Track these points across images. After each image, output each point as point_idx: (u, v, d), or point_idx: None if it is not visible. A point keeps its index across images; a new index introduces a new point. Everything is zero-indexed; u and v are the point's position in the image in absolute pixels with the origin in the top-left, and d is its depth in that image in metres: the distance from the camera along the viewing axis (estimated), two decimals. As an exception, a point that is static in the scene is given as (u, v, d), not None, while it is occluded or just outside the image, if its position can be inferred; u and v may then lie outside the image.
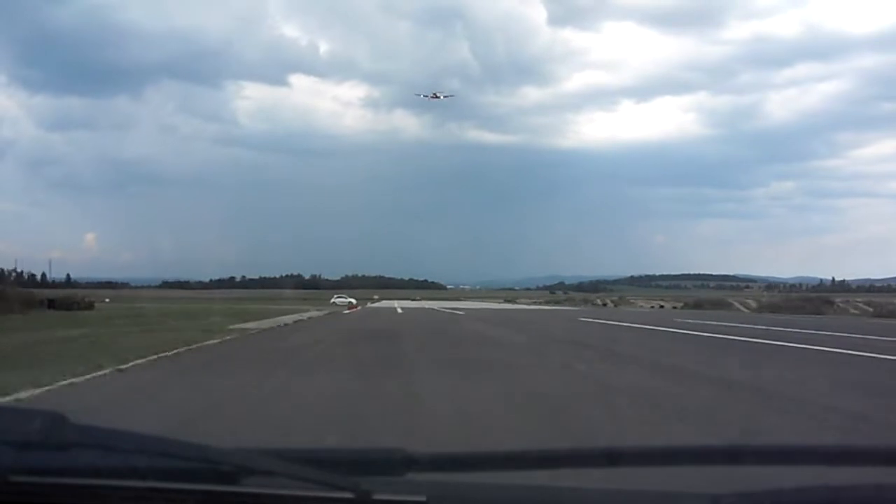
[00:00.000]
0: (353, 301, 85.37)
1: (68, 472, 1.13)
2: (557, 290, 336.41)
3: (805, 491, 1.17)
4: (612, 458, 1.40)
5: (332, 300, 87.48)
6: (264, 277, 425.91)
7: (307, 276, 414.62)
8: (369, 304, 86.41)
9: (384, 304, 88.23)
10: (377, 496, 1.09)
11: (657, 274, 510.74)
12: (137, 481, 1.12)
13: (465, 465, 1.27)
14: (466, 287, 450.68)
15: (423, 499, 1.11)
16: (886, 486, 1.16)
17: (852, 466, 1.26)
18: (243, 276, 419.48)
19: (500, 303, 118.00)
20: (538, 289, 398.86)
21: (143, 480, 1.12)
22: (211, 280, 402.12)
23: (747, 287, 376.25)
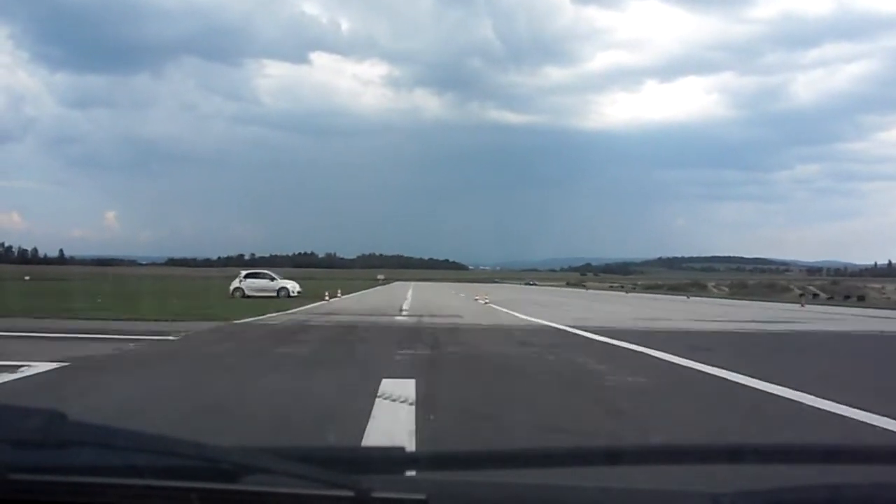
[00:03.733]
0: (295, 287, 44.66)
1: (67, 470, 1.13)
2: (588, 273, 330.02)
3: (804, 490, 1.15)
4: (612, 456, 1.37)
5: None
6: (275, 255, 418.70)
7: (321, 255, 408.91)
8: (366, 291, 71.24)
9: (381, 293, 57.26)
10: (377, 494, 1.08)
11: (686, 256, 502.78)
12: (136, 479, 1.11)
13: (464, 463, 1.24)
14: (487, 268, 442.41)
15: (423, 497, 1.10)
16: (886, 485, 1.15)
17: (852, 465, 1.23)
18: (252, 254, 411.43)
19: (560, 288, 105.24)
20: (562, 270, 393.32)
21: (142, 478, 1.11)
22: (219, 258, 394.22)
23: (787, 270, 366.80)
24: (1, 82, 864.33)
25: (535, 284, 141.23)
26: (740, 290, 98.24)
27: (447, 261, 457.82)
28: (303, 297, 41.22)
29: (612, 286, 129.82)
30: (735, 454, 1.39)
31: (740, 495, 1.17)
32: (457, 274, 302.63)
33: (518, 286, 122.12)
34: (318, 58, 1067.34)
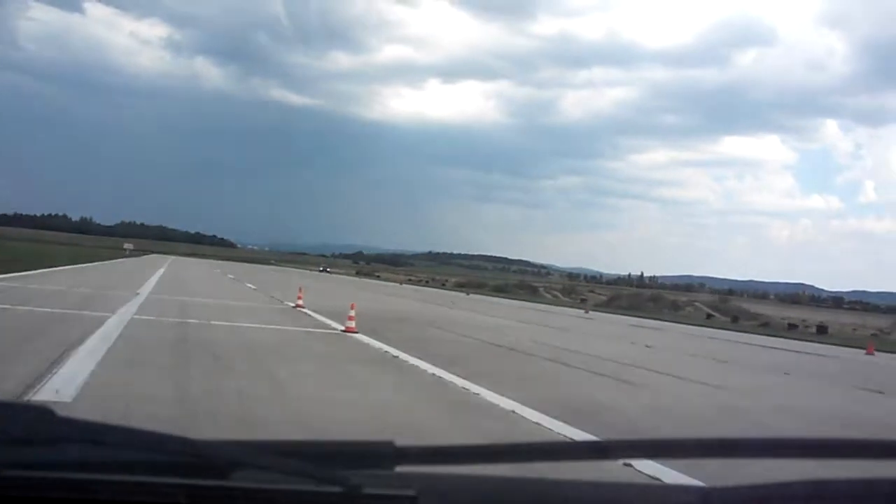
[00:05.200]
0: None
1: (56, 467, 1.11)
2: (360, 261, 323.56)
3: (794, 485, 1.16)
4: (601, 450, 1.38)
5: None
6: (18, 215, 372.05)
7: (75, 219, 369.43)
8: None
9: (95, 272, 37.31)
10: (367, 490, 1.08)
11: (456, 252, 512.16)
12: (126, 475, 1.10)
13: (454, 458, 1.22)
14: (255, 247, 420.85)
15: (413, 492, 1.09)
16: (875, 480, 1.17)
17: (841, 460, 1.23)
18: None
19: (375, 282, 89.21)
20: (333, 256, 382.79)
21: (132, 474, 1.10)
22: None
23: (548, 273, 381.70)
24: None
25: (328, 272, 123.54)
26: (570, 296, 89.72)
27: (214, 237, 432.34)
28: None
29: (414, 279, 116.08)
30: (725, 448, 1.38)
31: (729, 490, 1.18)
32: (225, 251, 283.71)
33: (320, 274, 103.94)
34: (94, 8, 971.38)
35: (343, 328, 16.41)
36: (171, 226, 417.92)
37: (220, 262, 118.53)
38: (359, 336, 15.16)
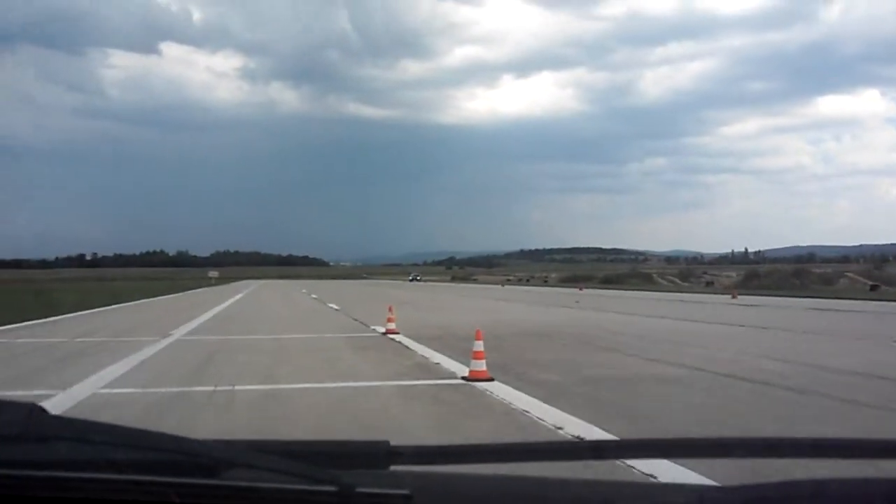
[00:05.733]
0: None
1: (46, 465, 1.10)
2: (452, 266, 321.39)
3: (791, 484, 1.13)
4: (597, 450, 1.35)
5: None
6: (120, 255, 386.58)
7: (172, 253, 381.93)
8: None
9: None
10: (360, 489, 1.06)
11: (548, 248, 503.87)
12: (116, 474, 1.09)
13: (448, 457, 1.21)
14: (348, 263, 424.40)
15: (407, 492, 1.08)
16: (873, 480, 1.15)
17: (839, 459, 1.22)
18: (94, 254, 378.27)
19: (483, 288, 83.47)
20: (426, 264, 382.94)
21: (122, 473, 1.09)
22: (57, 258, 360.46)
23: (645, 260, 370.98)
24: None
25: (419, 279, 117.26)
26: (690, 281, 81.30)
27: (306, 257, 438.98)
28: None
29: (518, 279, 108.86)
30: (722, 448, 1.35)
31: (726, 490, 1.17)
32: (318, 271, 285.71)
33: (413, 284, 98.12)
34: (169, 48, 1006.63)
35: (466, 374, 9.59)
36: (263, 251, 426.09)
37: (310, 281, 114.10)
38: (498, 391, 8.23)
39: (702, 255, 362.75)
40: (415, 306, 29.91)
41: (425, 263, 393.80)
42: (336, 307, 28.50)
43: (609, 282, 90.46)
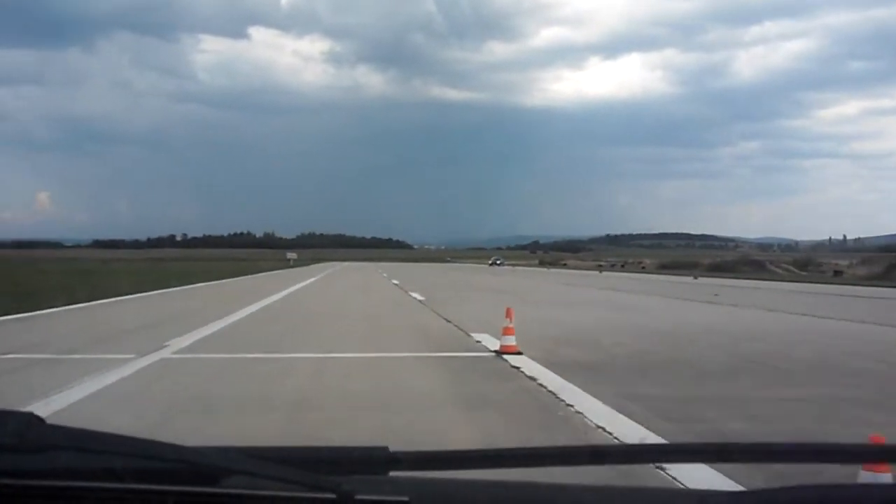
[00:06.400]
0: None
1: (44, 475, 1.11)
2: (537, 250, 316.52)
3: (793, 490, 1.13)
4: (597, 455, 1.32)
5: None
6: (209, 236, 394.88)
7: (259, 235, 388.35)
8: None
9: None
10: (359, 496, 1.06)
11: (634, 233, 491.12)
12: (114, 483, 1.09)
13: (447, 463, 1.19)
14: (432, 246, 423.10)
15: (406, 498, 1.08)
16: (875, 486, 1.18)
17: (841, 465, 1.23)
18: (184, 235, 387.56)
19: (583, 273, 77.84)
20: (509, 248, 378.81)
21: (121, 482, 1.09)
22: (148, 239, 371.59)
23: (736, 246, 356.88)
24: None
25: (501, 264, 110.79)
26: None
27: (391, 240, 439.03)
28: None
29: (612, 264, 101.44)
30: (723, 453, 1.35)
31: (727, 495, 1.17)
32: (401, 253, 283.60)
33: (488, 267, 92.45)
34: (258, 32, 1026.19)
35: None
36: (348, 233, 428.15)
37: (393, 264, 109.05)
38: None
39: (796, 243, 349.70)
40: (518, 297, 23.89)
41: (508, 248, 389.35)
42: (420, 298, 22.62)
43: (718, 269, 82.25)
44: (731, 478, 3.76)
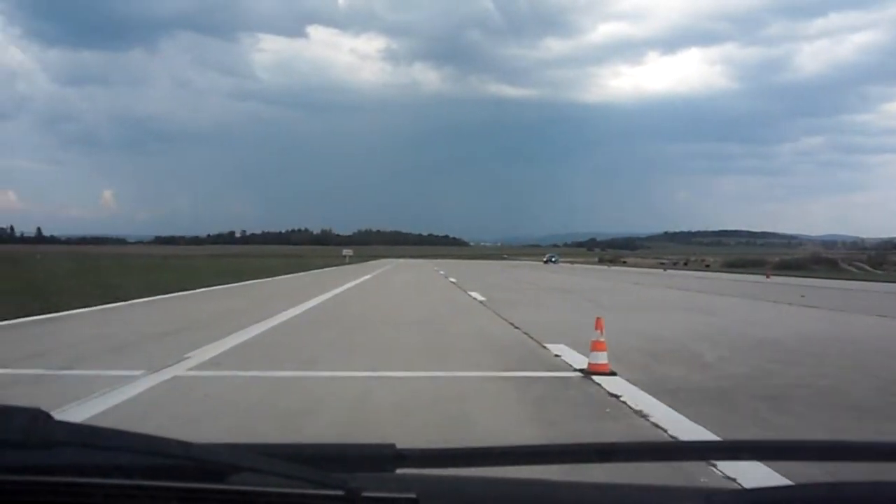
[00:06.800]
0: None
1: (51, 471, 1.11)
2: (594, 248, 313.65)
3: (800, 487, 1.16)
4: (605, 453, 1.32)
5: None
6: (268, 233, 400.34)
7: (316, 231, 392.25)
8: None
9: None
10: (367, 493, 1.06)
11: (693, 230, 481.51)
12: (122, 479, 1.10)
13: (455, 460, 1.20)
14: (488, 244, 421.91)
15: (414, 495, 1.08)
16: (883, 483, 1.13)
17: (849, 462, 1.21)
18: (243, 231, 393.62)
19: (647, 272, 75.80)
20: (565, 245, 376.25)
21: (128, 478, 1.10)
22: (208, 235, 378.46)
23: (799, 244, 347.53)
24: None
25: (556, 261, 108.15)
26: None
27: (447, 237, 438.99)
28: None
29: (674, 262, 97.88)
30: (731, 451, 1.37)
31: (735, 493, 1.14)
32: (457, 250, 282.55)
33: (548, 266, 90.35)
34: (316, 31, 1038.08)
35: None
36: (404, 230, 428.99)
37: (448, 260, 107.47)
38: None
39: (862, 240, 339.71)
40: (584, 297, 21.96)
41: (565, 245, 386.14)
42: (480, 298, 20.80)
43: (787, 267, 78.68)
44: (741, 476, 3.72)
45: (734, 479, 3.83)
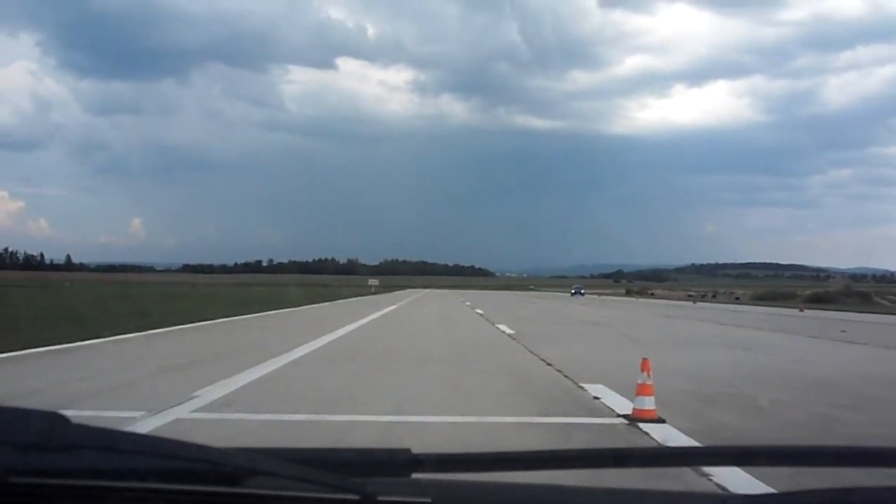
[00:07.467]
0: None
1: (69, 474, 1.11)
2: (620, 279, 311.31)
3: (814, 493, 1.14)
4: (619, 458, 1.35)
5: None
6: (294, 262, 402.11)
7: (342, 261, 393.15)
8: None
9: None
10: (382, 497, 1.07)
11: (721, 262, 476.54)
12: (138, 482, 1.10)
13: (471, 465, 1.22)
14: (514, 274, 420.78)
15: (429, 500, 1.09)
16: (895, 489, 1.16)
17: (862, 468, 1.24)
18: (270, 260, 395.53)
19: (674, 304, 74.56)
20: (592, 277, 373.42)
21: (144, 482, 1.10)
22: (236, 264, 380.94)
23: (828, 277, 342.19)
24: (29, 89, 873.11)
25: (583, 293, 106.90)
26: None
27: (472, 267, 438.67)
28: None
29: (702, 295, 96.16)
30: (743, 456, 1.34)
31: (748, 499, 1.16)
32: (484, 281, 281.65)
33: (571, 297, 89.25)
34: (345, 63, 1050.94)
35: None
36: (430, 260, 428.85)
37: (475, 291, 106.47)
38: None
39: (891, 273, 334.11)
40: (617, 331, 21.12)
41: (591, 276, 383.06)
42: (509, 331, 20.01)
43: (819, 300, 76.84)
44: (754, 481, 3.79)
45: (747, 485, 3.86)
